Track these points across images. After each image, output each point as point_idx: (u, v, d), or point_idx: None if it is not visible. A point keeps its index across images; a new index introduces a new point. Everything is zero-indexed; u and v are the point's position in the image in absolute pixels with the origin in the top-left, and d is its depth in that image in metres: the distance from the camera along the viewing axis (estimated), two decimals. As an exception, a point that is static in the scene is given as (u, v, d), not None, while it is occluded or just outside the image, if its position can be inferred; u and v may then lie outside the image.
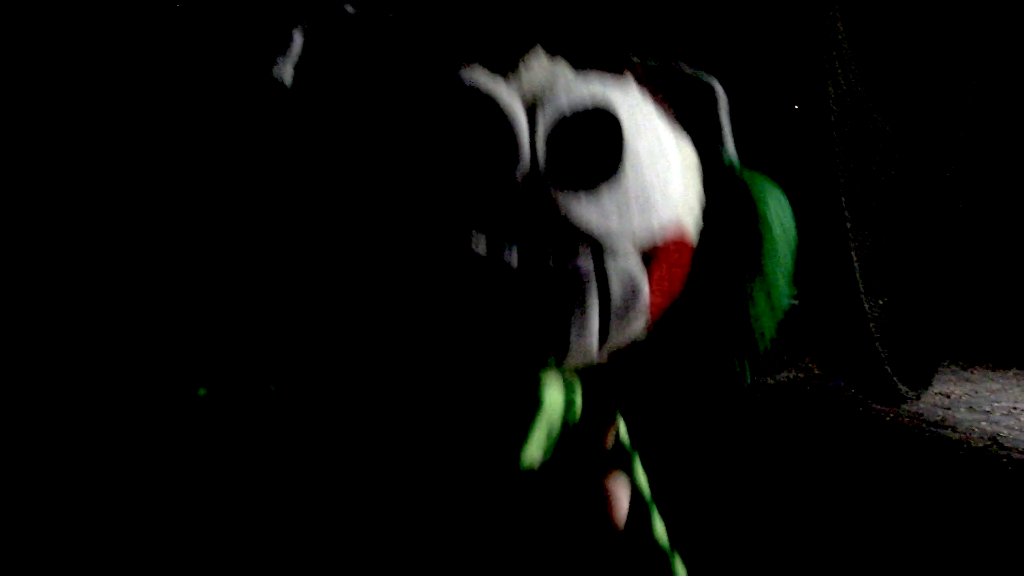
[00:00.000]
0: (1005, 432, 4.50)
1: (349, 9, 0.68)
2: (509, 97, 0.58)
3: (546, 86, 0.60)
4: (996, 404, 5.29)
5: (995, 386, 5.94)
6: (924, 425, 4.50)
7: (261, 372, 0.65)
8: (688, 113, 0.70)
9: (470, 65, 0.59)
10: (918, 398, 5.01)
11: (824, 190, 3.71)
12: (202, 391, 0.64)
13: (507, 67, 0.60)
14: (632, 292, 0.60)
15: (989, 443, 4.21)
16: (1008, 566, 2.54)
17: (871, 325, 3.99)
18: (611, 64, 0.64)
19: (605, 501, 0.64)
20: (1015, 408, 5.22)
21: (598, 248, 0.59)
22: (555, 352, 0.61)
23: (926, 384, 5.29)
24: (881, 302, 4.18)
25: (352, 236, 0.60)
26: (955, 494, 3.27)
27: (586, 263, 0.58)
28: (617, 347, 0.64)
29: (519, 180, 0.57)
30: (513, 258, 0.57)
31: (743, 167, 0.72)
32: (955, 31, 4.87)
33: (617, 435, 0.69)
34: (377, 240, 0.59)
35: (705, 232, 0.67)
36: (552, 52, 0.62)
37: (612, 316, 0.60)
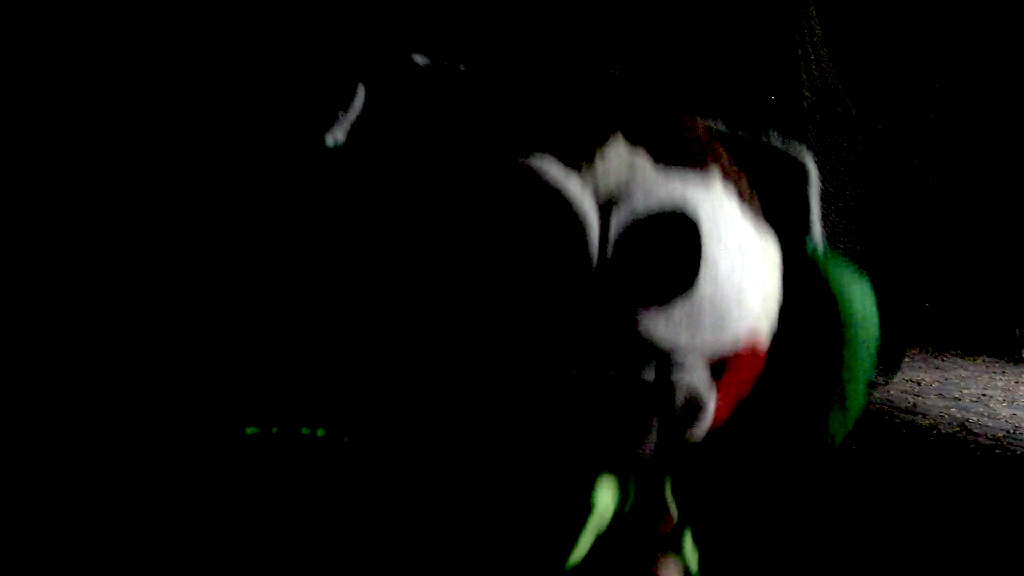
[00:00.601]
0: (974, 418, 4.55)
1: (419, 60, 0.63)
2: (581, 195, 0.53)
3: (623, 183, 0.55)
4: (966, 391, 5.35)
5: (965, 373, 6.02)
6: (895, 411, 4.54)
7: (311, 416, 0.62)
8: (774, 191, 0.65)
9: (543, 154, 0.54)
10: (887, 383, 5.05)
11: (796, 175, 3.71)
12: (251, 430, 0.62)
13: (582, 159, 0.55)
14: (696, 406, 0.57)
15: (958, 429, 4.26)
16: (977, 547, 2.56)
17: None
18: (695, 156, 0.59)
19: None
20: (984, 395, 5.28)
21: (665, 360, 0.55)
22: (611, 459, 0.58)
23: (895, 369, 5.34)
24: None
25: (395, 312, 0.56)
26: (925, 479, 3.30)
27: (650, 375, 0.54)
28: (675, 451, 0.60)
29: (586, 282, 0.53)
30: (574, 365, 0.53)
31: (826, 254, 0.68)
32: (928, 19, 4.89)
33: (671, 519, 0.66)
34: (423, 323, 0.55)
35: (782, 331, 0.62)
36: (633, 141, 0.57)
37: (673, 427, 0.57)
